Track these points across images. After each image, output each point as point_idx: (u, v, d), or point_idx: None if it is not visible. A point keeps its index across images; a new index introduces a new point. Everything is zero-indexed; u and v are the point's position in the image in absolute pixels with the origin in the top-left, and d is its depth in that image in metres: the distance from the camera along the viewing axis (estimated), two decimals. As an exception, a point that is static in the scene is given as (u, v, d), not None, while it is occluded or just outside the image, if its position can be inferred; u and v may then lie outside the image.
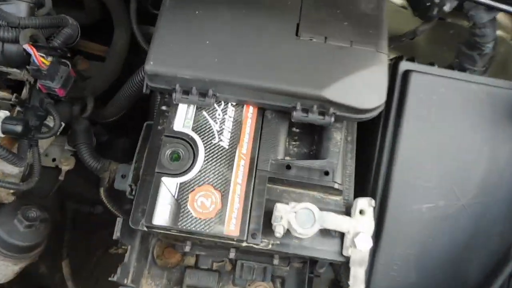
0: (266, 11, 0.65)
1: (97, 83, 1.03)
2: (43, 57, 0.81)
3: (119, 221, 0.68)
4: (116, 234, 0.68)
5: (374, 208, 0.63)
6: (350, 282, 0.60)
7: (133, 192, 0.68)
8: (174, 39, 0.60)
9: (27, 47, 0.78)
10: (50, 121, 0.90)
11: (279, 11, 0.65)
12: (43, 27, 0.79)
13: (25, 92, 0.87)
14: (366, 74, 0.60)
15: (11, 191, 0.87)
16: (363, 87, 0.60)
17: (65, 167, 1.01)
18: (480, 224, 0.67)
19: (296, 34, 0.62)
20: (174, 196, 0.58)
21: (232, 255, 0.71)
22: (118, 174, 0.81)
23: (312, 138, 0.68)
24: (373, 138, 0.71)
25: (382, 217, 0.67)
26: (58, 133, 0.88)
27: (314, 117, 0.61)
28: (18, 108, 0.87)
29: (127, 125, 1.12)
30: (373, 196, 0.68)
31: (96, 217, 1.16)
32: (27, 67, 0.84)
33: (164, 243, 0.75)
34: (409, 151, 0.67)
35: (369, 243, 0.61)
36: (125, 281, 0.69)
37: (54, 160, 1.02)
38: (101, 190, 1.00)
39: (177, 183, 0.59)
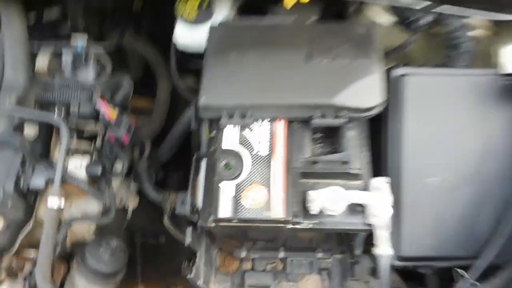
0: (284, 47, 0.85)
1: (149, 132, 1.25)
2: (111, 110, 1.04)
3: (189, 230, 0.87)
4: (187, 241, 0.87)
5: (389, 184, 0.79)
6: (377, 243, 0.76)
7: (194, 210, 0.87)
8: (218, 79, 0.81)
9: (100, 103, 1.01)
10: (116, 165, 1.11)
11: (294, 45, 0.85)
12: (108, 87, 1.00)
13: (98, 142, 1.07)
14: (365, 82, 0.78)
15: (92, 229, 1.06)
16: (364, 92, 0.78)
17: (131, 206, 1.21)
18: (481, 189, 0.82)
19: (309, 60, 0.81)
20: (232, 195, 0.77)
21: (281, 254, 0.94)
22: (178, 200, 1.02)
23: (332, 139, 0.85)
24: (383, 132, 0.87)
25: (399, 193, 0.83)
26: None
27: (329, 120, 0.79)
28: (94, 157, 1.09)
29: (178, 161, 1.34)
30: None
31: (161, 247, 1.36)
32: (99, 120, 1.06)
33: (223, 253, 0.95)
34: (414, 139, 0.83)
35: (388, 210, 0.77)
36: (199, 282, 0.88)
37: (121, 200, 1.22)
38: (165, 218, 1.21)
39: (234, 185, 0.78)
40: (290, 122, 0.84)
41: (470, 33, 0.87)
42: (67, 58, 1.04)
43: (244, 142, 0.82)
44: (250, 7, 1.02)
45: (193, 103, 1.06)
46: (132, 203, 1.20)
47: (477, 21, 0.93)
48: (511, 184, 0.82)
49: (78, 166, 1.02)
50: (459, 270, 0.79)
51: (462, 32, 0.85)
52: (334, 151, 0.84)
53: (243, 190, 0.78)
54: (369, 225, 0.78)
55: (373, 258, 0.80)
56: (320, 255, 0.96)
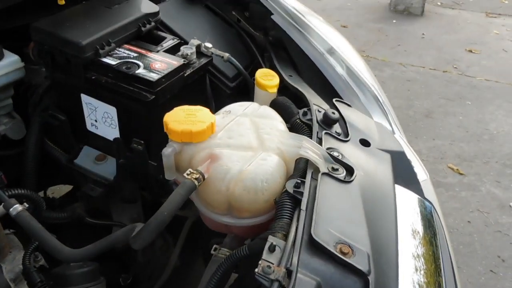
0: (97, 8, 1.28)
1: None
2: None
3: None
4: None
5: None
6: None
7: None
8: (72, 31, 1.14)
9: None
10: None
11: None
12: None
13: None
14: (145, 2, 1.34)
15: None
16: (147, 6, 1.33)
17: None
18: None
19: (110, 8, 1.28)
20: (144, 72, 1.14)
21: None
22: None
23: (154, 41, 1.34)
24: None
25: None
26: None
27: (148, 26, 1.29)
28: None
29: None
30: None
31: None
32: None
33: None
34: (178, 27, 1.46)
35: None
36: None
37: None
38: (87, 220, 1.27)
39: (142, 71, 1.14)
40: (130, 42, 1.26)
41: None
42: None
43: (120, 58, 1.18)
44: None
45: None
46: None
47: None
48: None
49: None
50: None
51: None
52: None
53: (149, 67, 1.16)
54: (210, 56, 1.34)
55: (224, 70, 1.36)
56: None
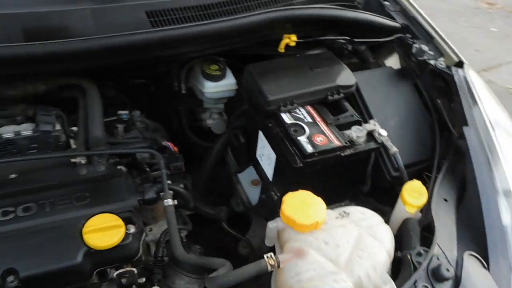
0: (295, 65, 1.48)
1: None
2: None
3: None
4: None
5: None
6: (389, 148, 1.34)
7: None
8: (270, 88, 1.36)
9: (167, 144, 1.43)
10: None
11: (300, 64, 1.46)
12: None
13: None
14: (345, 72, 1.45)
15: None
16: (346, 77, 1.44)
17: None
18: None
19: (312, 69, 1.45)
20: (307, 141, 1.27)
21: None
22: (233, 203, 1.45)
23: (334, 110, 1.45)
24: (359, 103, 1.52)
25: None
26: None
27: (337, 96, 1.41)
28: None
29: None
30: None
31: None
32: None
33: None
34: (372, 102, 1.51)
35: (385, 132, 1.38)
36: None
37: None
38: (223, 224, 1.56)
39: (305, 137, 1.29)
40: (313, 105, 1.41)
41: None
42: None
43: (296, 118, 1.35)
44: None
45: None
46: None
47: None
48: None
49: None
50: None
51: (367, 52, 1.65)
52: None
53: (311, 138, 1.29)
54: (378, 144, 1.36)
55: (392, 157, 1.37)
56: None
